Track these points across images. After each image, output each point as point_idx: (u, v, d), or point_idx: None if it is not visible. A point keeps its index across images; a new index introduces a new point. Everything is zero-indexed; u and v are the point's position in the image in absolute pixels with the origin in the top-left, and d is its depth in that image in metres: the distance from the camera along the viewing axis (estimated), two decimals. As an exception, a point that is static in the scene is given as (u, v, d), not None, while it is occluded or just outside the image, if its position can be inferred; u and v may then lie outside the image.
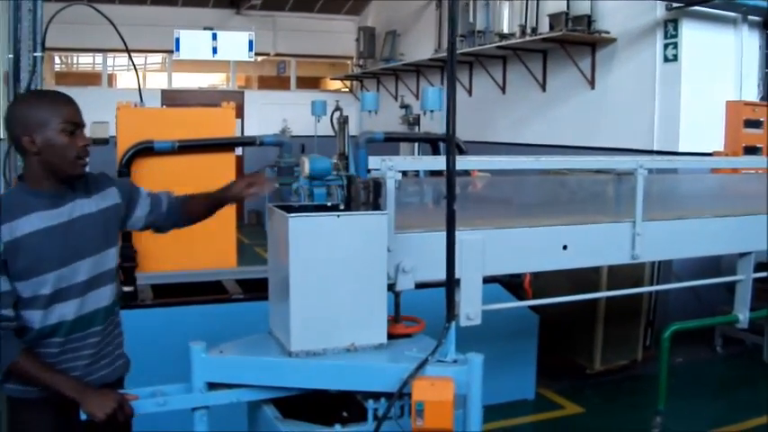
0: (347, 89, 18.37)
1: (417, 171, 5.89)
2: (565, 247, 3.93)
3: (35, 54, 5.11)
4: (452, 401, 2.95)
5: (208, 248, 6.51)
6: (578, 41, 10.11)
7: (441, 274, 3.45)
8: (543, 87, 11.23)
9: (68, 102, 3.09)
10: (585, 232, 4.02)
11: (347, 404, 3.36)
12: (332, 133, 13.12)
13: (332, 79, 18.57)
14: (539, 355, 6.72)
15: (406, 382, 3.02)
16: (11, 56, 5.13)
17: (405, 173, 3.72)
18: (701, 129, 8.87)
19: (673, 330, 4.54)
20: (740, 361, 8.12)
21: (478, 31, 11.82)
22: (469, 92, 12.95)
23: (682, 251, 4.61)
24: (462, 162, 3.40)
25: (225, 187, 3.51)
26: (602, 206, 4.36)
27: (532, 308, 6.60)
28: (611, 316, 7.18)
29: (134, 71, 7.07)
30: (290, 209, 3.25)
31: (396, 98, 14.96)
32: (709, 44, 9.13)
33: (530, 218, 3.97)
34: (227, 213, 6.04)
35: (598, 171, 4.53)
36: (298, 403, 3.28)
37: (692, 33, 8.97)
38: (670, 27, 9.02)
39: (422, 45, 14.57)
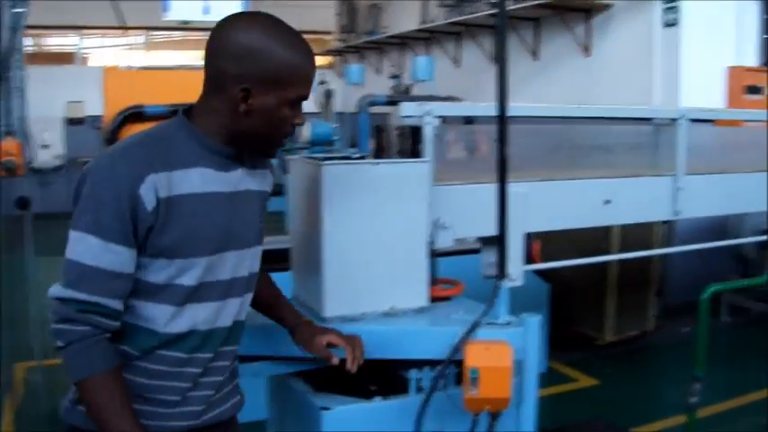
0: (329, 65, 18.01)
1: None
2: (607, 202, 3.64)
3: (16, 10, 4.74)
4: (511, 367, 2.66)
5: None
6: (573, 8, 9.85)
7: (481, 231, 3.19)
8: (536, 56, 10.96)
9: (312, 59, 2.19)
10: (628, 186, 3.72)
11: (375, 377, 2.94)
12: (315, 109, 12.79)
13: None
14: (548, 328, 6.46)
15: (457, 346, 2.73)
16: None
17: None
18: (702, 96, 8.61)
19: (712, 292, 4.26)
20: (748, 330, 7.94)
21: (468, 0, 11.52)
22: (458, 62, 12.66)
23: (724, 207, 4.35)
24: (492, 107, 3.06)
25: (298, 317, 2.65)
26: (643, 159, 4.07)
27: (543, 277, 6.34)
28: (621, 286, 6.95)
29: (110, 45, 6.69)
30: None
31: (381, 72, 14.65)
32: (710, 9, 8.88)
33: (570, 170, 3.67)
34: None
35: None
36: (321, 379, 2.93)
37: (692, -3, 8.73)
38: (670, -8, 8.78)
39: (406, 16, 14.23)
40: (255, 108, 2.06)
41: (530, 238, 6.29)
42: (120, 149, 2.05)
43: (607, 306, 6.93)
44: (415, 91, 11.06)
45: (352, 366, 2.52)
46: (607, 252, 6.54)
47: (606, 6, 9.64)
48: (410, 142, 3.00)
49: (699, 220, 6.26)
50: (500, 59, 2.83)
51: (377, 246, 2.84)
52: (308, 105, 9.13)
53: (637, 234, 6.61)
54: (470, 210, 3.16)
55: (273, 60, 2.04)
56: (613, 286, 6.90)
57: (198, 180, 2.08)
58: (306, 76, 2.13)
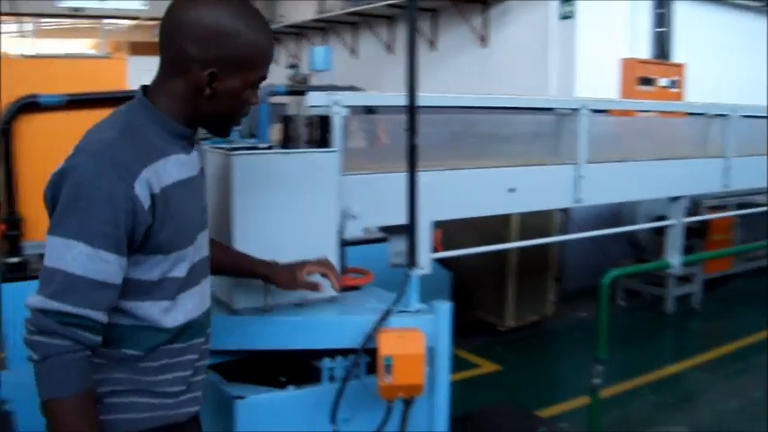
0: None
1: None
2: (512, 190, 3.70)
3: None
4: (423, 354, 2.69)
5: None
6: None
7: (390, 220, 3.21)
8: (433, 46, 11.03)
9: (272, 39, 2.11)
10: (532, 174, 3.80)
11: (285, 368, 2.94)
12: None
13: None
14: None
15: (370, 335, 2.74)
16: None
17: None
18: (596, 86, 8.81)
19: (612, 276, 4.38)
20: (642, 313, 8.21)
21: (365, -10, 11.53)
22: (355, 52, 12.65)
23: (623, 194, 4.49)
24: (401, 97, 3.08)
25: (269, 264, 2.67)
26: (546, 148, 4.15)
27: (444, 265, 6.40)
28: (521, 273, 7.08)
29: None
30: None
31: (278, 62, 14.52)
32: (604, 2, 9.12)
33: (475, 159, 3.72)
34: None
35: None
36: (233, 370, 2.91)
37: (588, -9, 8.94)
38: (567, -15, 8.97)
39: (302, 6, 14.13)
40: (220, 91, 1.97)
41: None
42: (100, 147, 1.86)
43: (507, 293, 7.05)
44: (313, 81, 11.02)
45: (337, 287, 2.72)
46: (507, 240, 6.65)
47: (502, -1, 9.77)
48: (319, 132, 2.98)
49: (594, 207, 6.44)
50: (410, 50, 2.84)
51: (287, 236, 2.82)
52: None
53: (535, 222, 6.74)
54: (379, 199, 3.17)
55: (240, 43, 1.96)
56: (513, 273, 7.03)
57: (175, 168, 1.98)
58: (269, 57, 2.06)
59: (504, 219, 6.64)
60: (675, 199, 4.69)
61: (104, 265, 1.82)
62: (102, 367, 1.94)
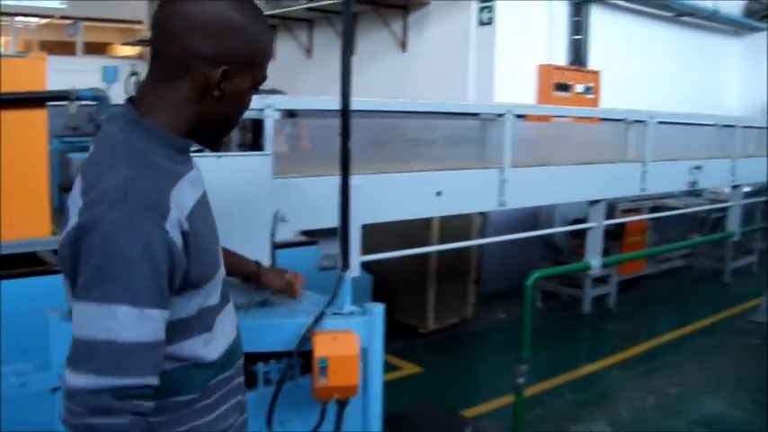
0: (138, 56, 17.49)
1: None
2: (439, 194, 3.77)
3: None
4: (358, 355, 2.72)
5: (16, 216, 5.86)
6: (391, 4, 10.01)
7: (322, 223, 3.24)
8: (353, 50, 11.06)
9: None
10: (458, 178, 3.87)
11: None
12: (127, 101, 12.38)
13: (123, 44, 17.63)
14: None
15: (305, 337, 2.75)
16: None
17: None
18: (514, 92, 8.98)
19: (535, 278, 4.47)
20: (560, 314, 8.38)
21: (284, -7, 11.48)
22: (273, 55, 12.59)
23: (546, 198, 4.60)
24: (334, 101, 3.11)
25: (251, 264, 2.69)
26: (472, 152, 4.23)
27: (365, 268, 6.44)
28: (441, 275, 7.17)
29: None
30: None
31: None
32: (523, 9, 9.30)
33: (402, 163, 3.77)
34: (38, 172, 5.40)
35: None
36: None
37: (506, -2, 9.10)
38: (486, -8, 9.11)
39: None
40: (228, 92, 1.75)
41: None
42: (120, 191, 1.59)
43: (428, 295, 7.13)
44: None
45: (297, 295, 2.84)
46: (427, 242, 6.73)
47: (423, 4, 9.85)
48: (251, 135, 2.99)
49: (513, 210, 6.57)
50: (345, 55, 2.87)
51: (220, 239, 2.81)
52: (119, 97, 8.71)
53: (455, 224, 6.83)
54: (309, 202, 3.20)
55: (250, 38, 1.76)
56: (434, 276, 7.10)
57: (190, 190, 1.77)
58: (271, 55, 1.86)
59: (425, 221, 6.72)
60: (595, 202, 4.82)
61: (152, 324, 1.60)
62: (160, 426, 1.76)
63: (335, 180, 3.10)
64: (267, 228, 2.97)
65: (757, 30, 13.22)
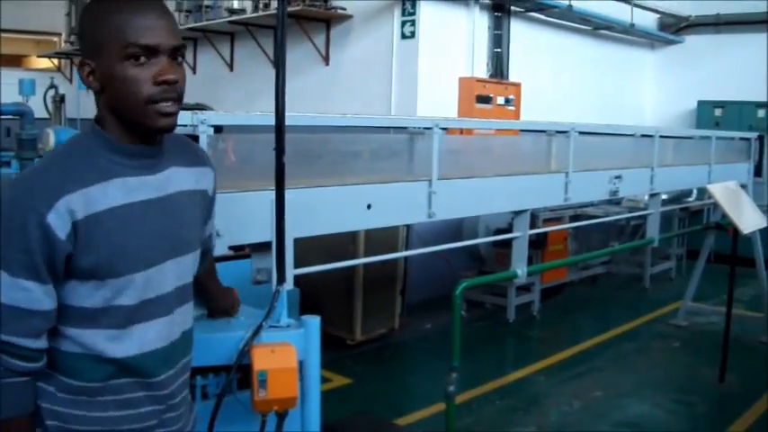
0: (56, 68, 17.15)
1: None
2: (369, 207, 3.83)
3: None
4: (296, 367, 2.76)
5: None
6: (313, 17, 10.03)
7: (255, 237, 3.27)
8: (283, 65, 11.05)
9: (143, 7, 1.91)
10: (388, 190, 3.94)
11: None
12: (45, 114, 12.12)
13: (39, 57, 17.26)
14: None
15: (244, 351, 2.78)
16: None
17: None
18: (437, 104, 9.10)
19: (463, 287, 4.55)
20: (485, 323, 8.48)
21: (206, 6, 11.36)
22: (194, 69, 12.50)
23: (473, 209, 4.69)
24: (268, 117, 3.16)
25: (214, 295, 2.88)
26: (401, 165, 4.30)
27: (295, 282, 6.44)
28: (368, 286, 7.20)
29: None
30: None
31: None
32: (445, 23, 9.44)
33: (332, 177, 3.82)
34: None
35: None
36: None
37: (428, 11, 9.19)
38: (408, 5, 9.19)
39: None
40: (104, 80, 1.89)
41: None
42: (28, 174, 1.89)
43: (356, 306, 7.16)
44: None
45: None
46: (353, 254, 6.76)
47: (345, 17, 9.90)
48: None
49: (437, 221, 6.67)
50: (279, 70, 2.92)
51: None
52: (38, 110, 8.44)
53: (381, 235, 6.88)
54: (242, 217, 3.23)
55: (92, 23, 1.91)
56: (360, 287, 7.13)
57: (118, 192, 1.91)
58: (133, 24, 1.86)
59: (352, 233, 6.75)
60: (520, 212, 4.94)
61: (27, 294, 1.82)
62: (53, 397, 1.95)
63: (268, 195, 3.15)
64: (200, 242, 2.98)
65: (672, 42, 13.64)
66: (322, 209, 3.63)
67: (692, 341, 7.80)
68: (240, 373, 2.83)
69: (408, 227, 7.49)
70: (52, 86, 11.94)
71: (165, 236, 2.03)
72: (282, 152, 2.88)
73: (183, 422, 2.21)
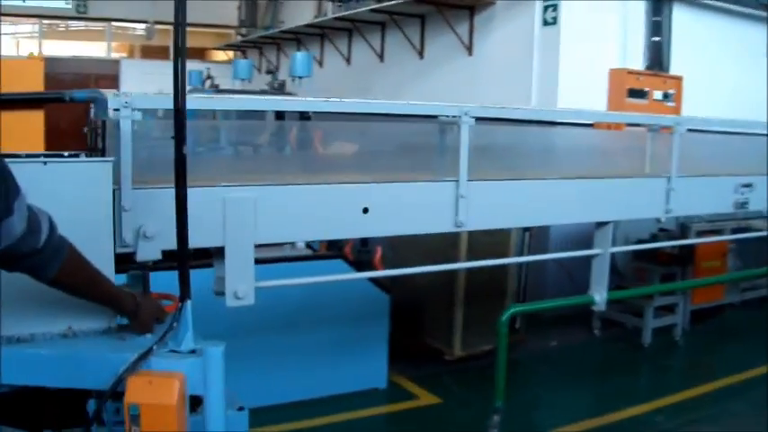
0: (229, 60, 17.50)
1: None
2: (365, 211, 3.26)
3: None
4: (176, 405, 2.25)
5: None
6: (456, 5, 9.58)
7: (199, 242, 2.79)
8: (421, 54, 10.67)
9: None
10: (391, 192, 3.35)
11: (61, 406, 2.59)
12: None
13: (213, 49, 17.67)
14: (394, 340, 6.04)
15: (120, 377, 2.31)
16: None
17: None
18: (582, 96, 8.27)
19: (511, 313, 3.89)
20: (617, 345, 7.65)
21: (356, -3, 11.19)
22: (348, 60, 12.37)
23: (517, 219, 4.01)
24: (220, 101, 2.68)
25: (126, 296, 2.55)
26: (422, 162, 3.70)
27: (385, 288, 5.94)
28: (471, 297, 6.52)
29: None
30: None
31: (278, 68, 14.28)
32: (593, 8, 8.62)
33: (324, 174, 3.29)
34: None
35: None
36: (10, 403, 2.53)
37: (572, -4, 8.46)
38: (550, -11, 8.52)
39: (303, 11, 13.83)
40: None
41: (365, 243, 5.96)
42: None
43: (456, 318, 6.49)
44: (291, 87, 10.75)
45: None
46: (455, 259, 6.15)
47: (489, 3, 9.36)
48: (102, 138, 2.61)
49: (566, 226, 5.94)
50: (178, 50, 2.43)
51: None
52: None
53: (486, 240, 6.22)
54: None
55: None
56: (461, 297, 6.46)
57: None
58: None
59: (453, 237, 6.13)
60: (602, 224, 4.19)
61: None
62: None
63: (219, 191, 2.69)
64: (109, 244, 2.55)
65: None
66: (299, 210, 3.12)
67: None
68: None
69: (529, 230, 6.73)
70: (208, 77, 12.20)
71: None
72: (183, 140, 2.37)
73: None
